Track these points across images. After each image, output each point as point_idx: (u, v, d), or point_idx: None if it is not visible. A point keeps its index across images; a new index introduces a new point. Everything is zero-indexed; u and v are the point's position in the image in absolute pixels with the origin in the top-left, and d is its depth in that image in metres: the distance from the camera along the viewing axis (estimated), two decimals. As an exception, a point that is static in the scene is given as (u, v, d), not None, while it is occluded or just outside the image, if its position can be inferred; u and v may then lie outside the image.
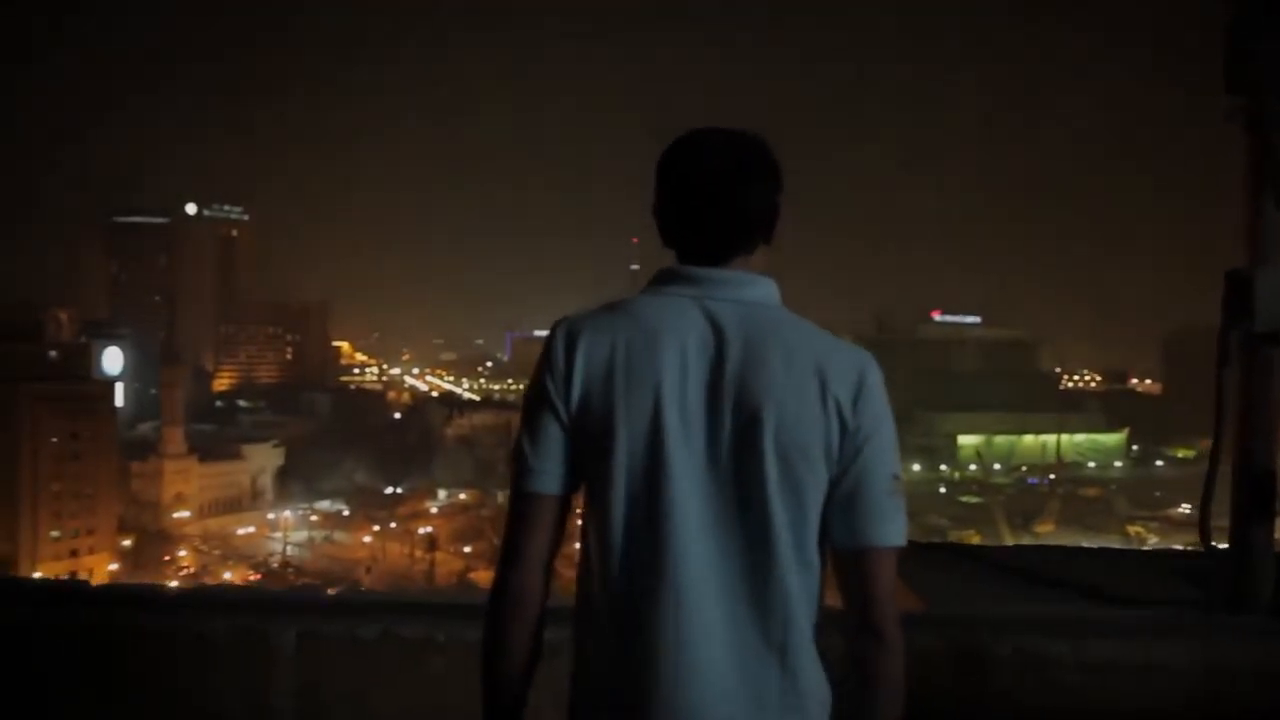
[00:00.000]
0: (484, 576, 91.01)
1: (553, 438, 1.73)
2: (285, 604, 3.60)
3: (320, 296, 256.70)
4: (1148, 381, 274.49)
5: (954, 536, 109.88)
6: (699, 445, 1.62)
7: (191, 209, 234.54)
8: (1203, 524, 3.82)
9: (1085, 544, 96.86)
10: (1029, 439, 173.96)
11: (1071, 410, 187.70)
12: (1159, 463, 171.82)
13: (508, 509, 1.81)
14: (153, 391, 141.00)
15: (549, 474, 1.74)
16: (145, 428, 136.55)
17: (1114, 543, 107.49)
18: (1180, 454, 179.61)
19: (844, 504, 1.70)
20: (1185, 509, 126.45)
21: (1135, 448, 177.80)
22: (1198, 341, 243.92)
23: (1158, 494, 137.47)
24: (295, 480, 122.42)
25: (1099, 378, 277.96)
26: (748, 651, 1.59)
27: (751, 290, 1.78)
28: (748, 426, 1.61)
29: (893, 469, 1.82)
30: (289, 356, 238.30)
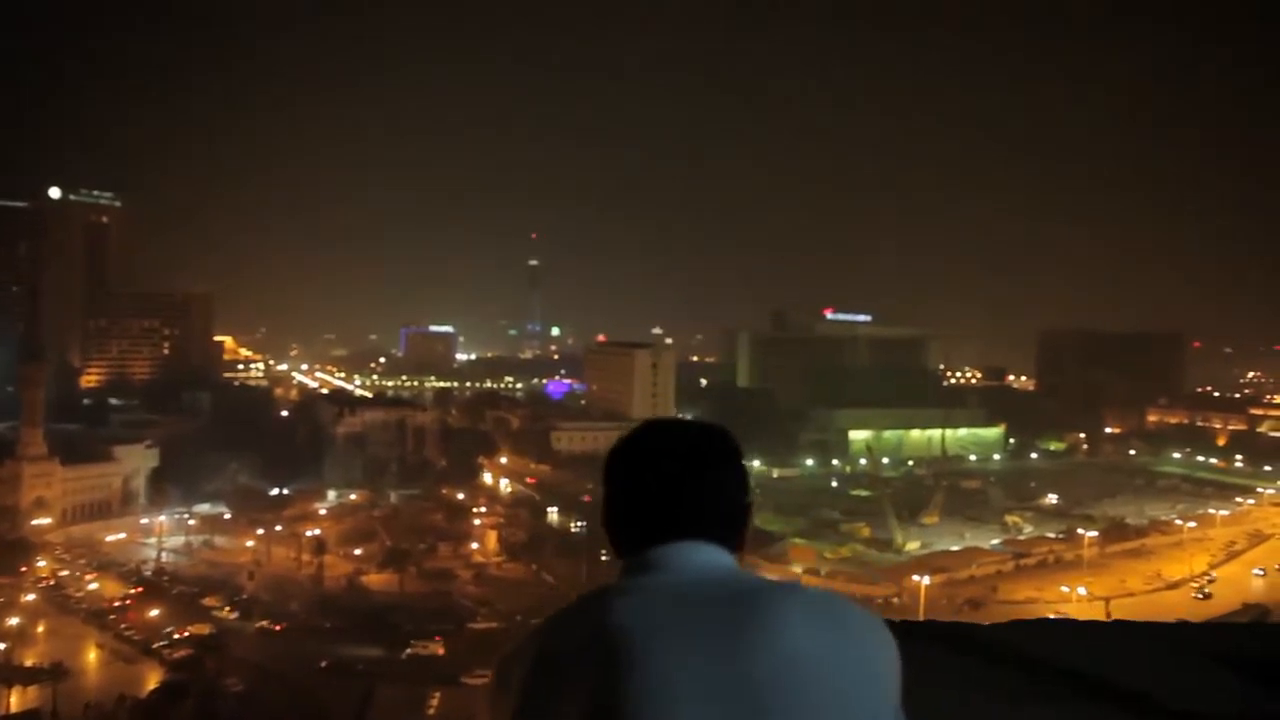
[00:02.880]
0: (375, 580, 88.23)
1: None
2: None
3: (202, 289, 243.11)
4: (1023, 379, 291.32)
5: (845, 529, 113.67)
6: None
7: (55, 193, 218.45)
8: None
9: (968, 534, 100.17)
10: (916, 434, 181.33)
11: (955, 406, 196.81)
12: (1033, 455, 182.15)
13: None
14: (10, 389, 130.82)
15: None
16: (1, 428, 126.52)
17: (993, 531, 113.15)
18: (1052, 446, 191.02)
19: None
20: (1053, 499, 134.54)
21: (1012, 441, 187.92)
22: (1067, 341, 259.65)
23: (1032, 485, 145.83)
24: (172, 482, 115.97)
25: (979, 375, 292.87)
26: None
27: (713, 561, 1.76)
28: None
29: None
30: (166, 351, 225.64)
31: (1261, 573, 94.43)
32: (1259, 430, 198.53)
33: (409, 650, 68.34)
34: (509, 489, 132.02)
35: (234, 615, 76.72)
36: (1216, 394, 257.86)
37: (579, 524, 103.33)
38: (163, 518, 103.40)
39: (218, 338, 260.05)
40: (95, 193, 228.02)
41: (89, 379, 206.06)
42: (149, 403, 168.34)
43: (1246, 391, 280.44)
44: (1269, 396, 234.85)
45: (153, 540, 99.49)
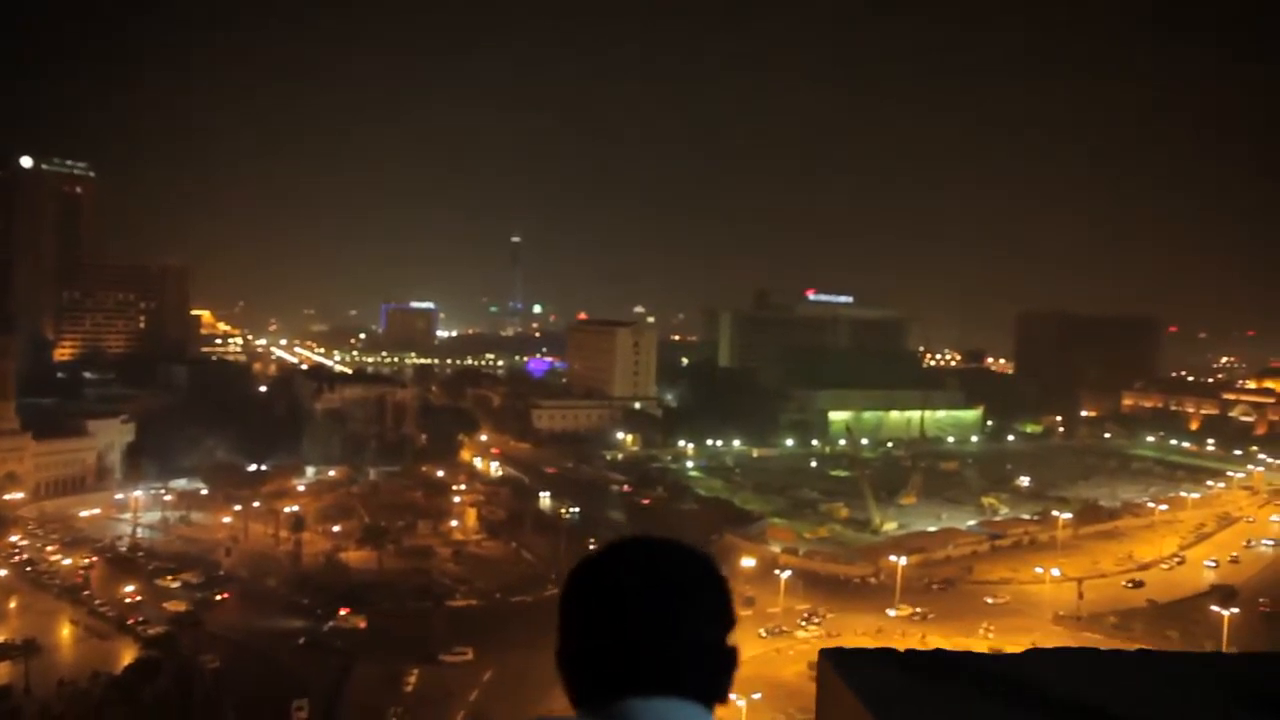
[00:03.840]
0: (354, 557, 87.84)
1: None
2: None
3: (179, 261, 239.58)
4: (1001, 361, 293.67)
5: (824, 509, 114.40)
6: None
7: (27, 162, 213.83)
8: None
9: (945, 515, 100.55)
10: (895, 415, 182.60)
11: (934, 388, 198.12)
12: (1010, 438, 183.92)
13: None
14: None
15: None
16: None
17: (970, 513, 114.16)
18: (1029, 429, 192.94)
19: None
20: (1024, 480, 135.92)
21: (990, 423, 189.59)
22: (1045, 324, 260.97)
23: (1009, 467, 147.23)
24: (147, 458, 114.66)
25: (958, 357, 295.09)
26: None
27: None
28: None
29: None
30: (142, 325, 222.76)
31: (1214, 564, 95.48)
32: (1230, 415, 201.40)
33: (330, 624, 68.57)
34: (499, 471, 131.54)
35: (176, 584, 76.95)
36: (1190, 378, 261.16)
37: (572, 510, 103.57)
38: (138, 493, 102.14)
39: (195, 311, 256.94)
40: (69, 162, 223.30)
41: (62, 352, 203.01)
42: (124, 377, 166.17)
43: (1219, 376, 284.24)
44: (1241, 381, 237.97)
45: (128, 516, 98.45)
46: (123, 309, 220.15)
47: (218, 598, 74.46)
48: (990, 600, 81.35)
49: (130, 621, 68.41)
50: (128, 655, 62.96)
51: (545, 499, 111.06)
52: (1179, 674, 3.21)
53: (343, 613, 70.19)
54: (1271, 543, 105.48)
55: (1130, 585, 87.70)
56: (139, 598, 73.73)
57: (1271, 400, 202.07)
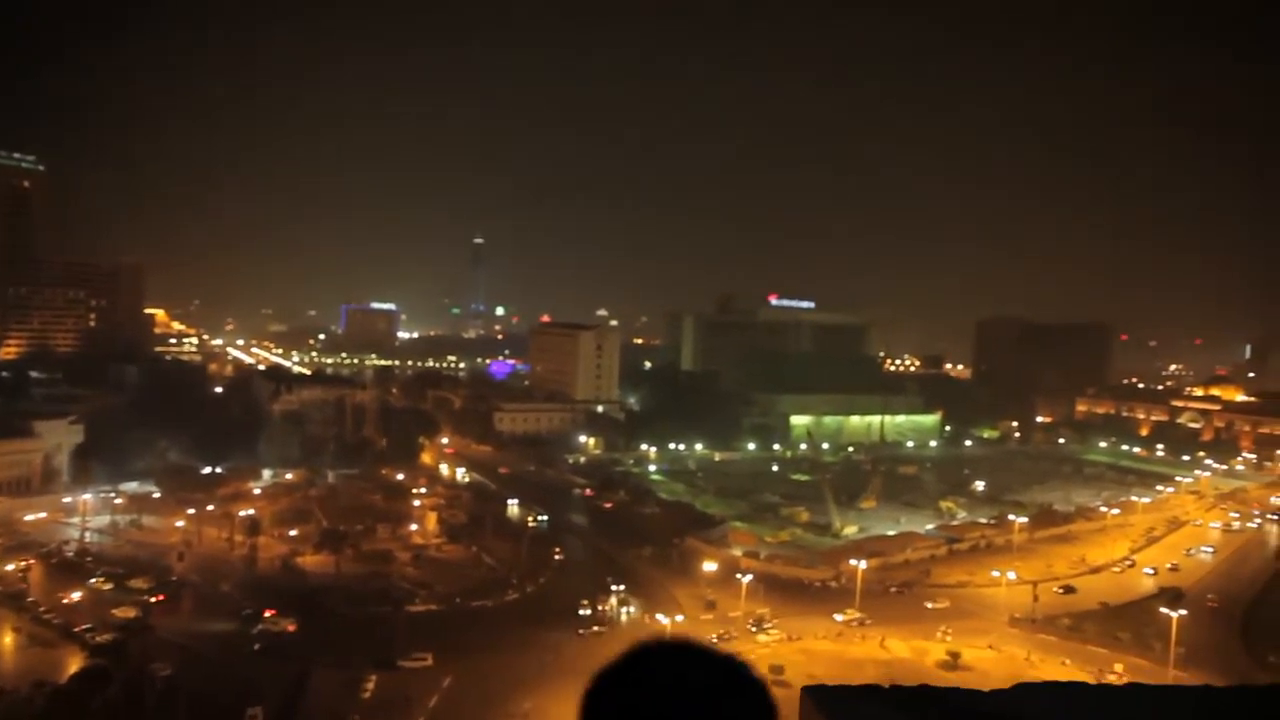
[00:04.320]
0: (311, 561, 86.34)
1: None
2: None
3: (133, 259, 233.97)
4: (960, 367, 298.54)
5: (785, 513, 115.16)
6: None
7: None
8: None
9: (904, 519, 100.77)
10: (855, 419, 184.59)
11: (894, 393, 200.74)
12: (968, 442, 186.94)
13: None
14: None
15: None
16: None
17: (928, 517, 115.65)
18: (986, 434, 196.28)
19: None
20: (981, 485, 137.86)
21: (948, 428, 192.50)
22: (1002, 331, 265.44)
23: (966, 471, 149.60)
24: (97, 460, 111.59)
25: (918, 362, 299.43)
26: None
27: None
28: None
29: None
30: (93, 323, 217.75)
31: (1152, 572, 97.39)
32: (1179, 421, 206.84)
33: (259, 627, 67.47)
34: (465, 477, 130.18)
35: (109, 586, 75.41)
36: (1141, 385, 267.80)
37: (540, 517, 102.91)
38: (87, 496, 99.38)
39: (149, 310, 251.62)
40: (16, 155, 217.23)
41: (8, 350, 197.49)
42: (73, 376, 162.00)
43: (1169, 383, 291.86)
44: (1189, 389, 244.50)
45: (76, 520, 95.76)
46: (72, 306, 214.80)
47: (153, 600, 72.43)
48: (930, 605, 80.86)
49: (77, 629, 66.48)
50: (74, 663, 61.18)
51: (513, 506, 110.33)
52: (1164, 706, 3.15)
53: (268, 614, 68.66)
54: (1211, 549, 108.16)
55: (1061, 591, 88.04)
56: (84, 602, 71.70)
57: (1218, 407, 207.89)
